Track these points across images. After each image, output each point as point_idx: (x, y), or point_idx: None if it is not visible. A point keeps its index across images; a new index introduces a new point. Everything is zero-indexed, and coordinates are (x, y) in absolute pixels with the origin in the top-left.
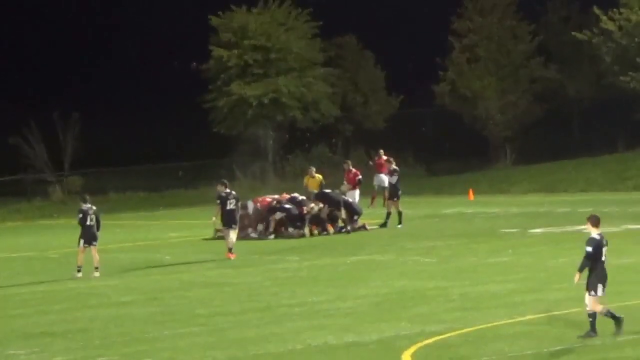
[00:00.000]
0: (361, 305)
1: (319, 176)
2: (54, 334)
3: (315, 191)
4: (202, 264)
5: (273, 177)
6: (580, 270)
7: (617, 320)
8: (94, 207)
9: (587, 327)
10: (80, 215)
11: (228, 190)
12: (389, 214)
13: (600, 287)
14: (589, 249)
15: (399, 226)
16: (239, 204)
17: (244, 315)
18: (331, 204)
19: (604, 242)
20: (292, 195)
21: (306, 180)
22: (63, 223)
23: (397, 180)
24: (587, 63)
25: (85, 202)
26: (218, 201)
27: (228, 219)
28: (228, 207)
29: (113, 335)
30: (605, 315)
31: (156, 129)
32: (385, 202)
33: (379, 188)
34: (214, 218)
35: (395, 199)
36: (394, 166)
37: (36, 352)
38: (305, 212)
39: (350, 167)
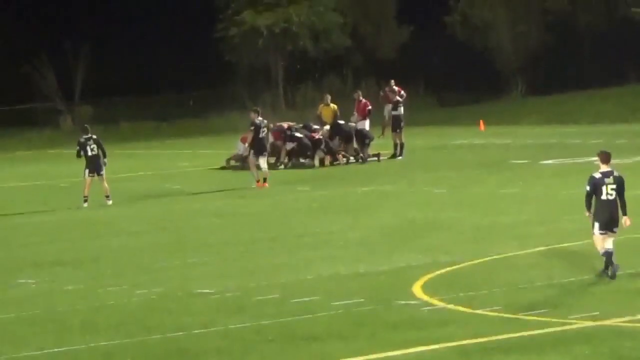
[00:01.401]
0: (372, 235)
1: (333, 105)
2: (64, 263)
3: (328, 121)
4: (213, 193)
5: (283, 106)
6: (587, 208)
7: (610, 265)
8: (94, 137)
9: (599, 258)
10: (78, 148)
11: (261, 118)
12: (395, 146)
13: (596, 225)
14: (587, 187)
15: (400, 158)
16: (269, 133)
17: (254, 245)
18: (343, 137)
19: (607, 180)
20: (306, 124)
21: (320, 108)
22: (73, 152)
23: (401, 111)
24: None
25: (86, 132)
26: (252, 128)
27: (260, 147)
28: (260, 135)
29: (124, 264)
30: (602, 255)
31: (167, 58)
32: (392, 134)
33: (389, 119)
34: (245, 145)
35: (397, 131)
36: (397, 97)
37: (47, 281)
38: (316, 138)
39: (361, 97)
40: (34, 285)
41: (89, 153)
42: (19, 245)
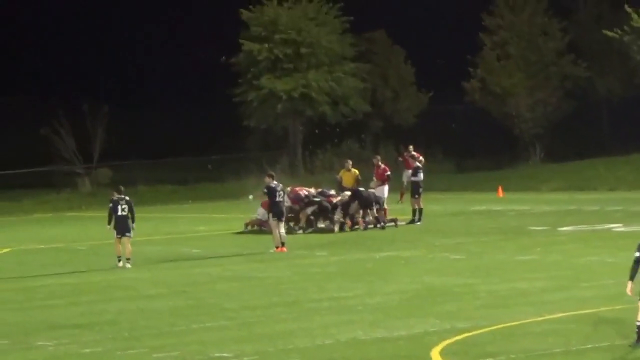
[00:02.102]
0: (390, 301)
1: (355, 171)
2: (82, 326)
3: (349, 186)
4: (230, 257)
5: (302, 171)
6: (631, 277)
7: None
8: (127, 198)
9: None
10: (110, 205)
11: (276, 182)
12: (414, 211)
13: None
14: (636, 253)
15: (418, 223)
16: (285, 196)
17: (272, 310)
18: (362, 203)
19: None
20: (322, 190)
21: (341, 173)
22: (91, 215)
23: (421, 177)
24: (617, 61)
25: (119, 192)
26: (265, 190)
27: (277, 211)
28: (277, 199)
29: (141, 328)
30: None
31: (185, 122)
32: (410, 199)
33: (408, 184)
34: (264, 210)
35: (416, 196)
36: (417, 163)
37: (64, 344)
38: (333, 202)
39: (380, 163)
40: (51, 348)
41: (119, 212)
42: (37, 307)
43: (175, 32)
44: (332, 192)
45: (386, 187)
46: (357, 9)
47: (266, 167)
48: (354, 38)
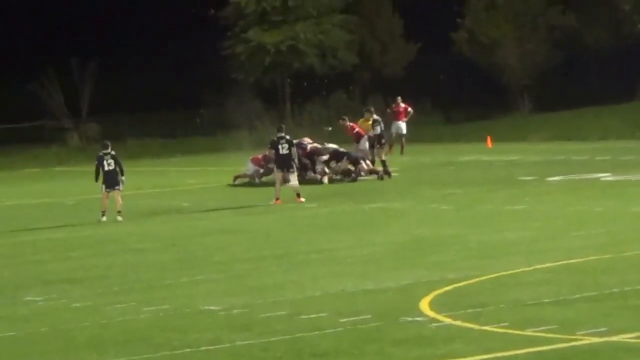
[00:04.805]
0: (379, 252)
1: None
2: (72, 281)
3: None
4: (220, 210)
5: (291, 124)
6: None
7: None
8: (112, 152)
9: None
10: (96, 162)
11: (281, 134)
12: (383, 162)
13: None
14: None
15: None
16: (293, 149)
17: (261, 262)
18: (351, 161)
19: None
20: (299, 141)
21: (361, 123)
22: (80, 170)
23: (378, 131)
24: (605, 11)
25: (105, 147)
26: (269, 145)
27: (281, 163)
28: (281, 152)
29: (131, 281)
30: None
31: (174, 75)
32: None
33: (396, 136)
34: (254, 165)
35: (377, 147)
36: (375, 116)
37: (54, 299)
38: (308, 151)
39: (347, 122)
40: (41, 303)
41: (106, 167)
42: (27, 262)
43: None
44: (310, 143)
45: (362, 141)
46: None
47: (255, 121)
48: None
